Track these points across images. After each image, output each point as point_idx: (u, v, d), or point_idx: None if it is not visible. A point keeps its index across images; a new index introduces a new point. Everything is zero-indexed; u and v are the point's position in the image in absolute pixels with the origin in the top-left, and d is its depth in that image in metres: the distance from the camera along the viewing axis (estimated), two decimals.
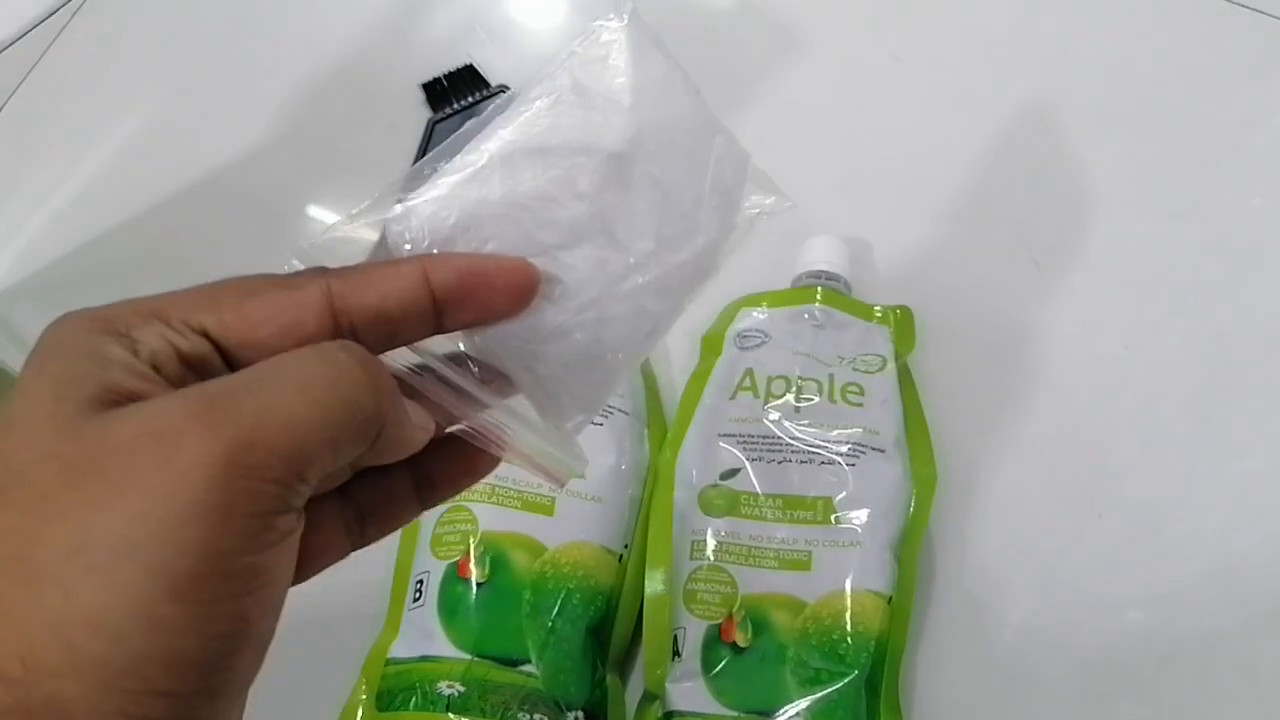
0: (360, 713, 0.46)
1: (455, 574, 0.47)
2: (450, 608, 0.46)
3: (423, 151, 0.63)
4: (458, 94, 0.63)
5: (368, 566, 0.51)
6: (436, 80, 0.64)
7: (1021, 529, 0.53)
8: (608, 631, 0.49)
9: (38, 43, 0.68)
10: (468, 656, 0.45)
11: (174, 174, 0.63)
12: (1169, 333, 0.57)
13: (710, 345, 0.56)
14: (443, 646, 0.46)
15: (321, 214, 0.63)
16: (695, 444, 0.52)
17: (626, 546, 0.50)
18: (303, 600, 0.52)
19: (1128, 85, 0.66)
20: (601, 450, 0.51)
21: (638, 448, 0.52)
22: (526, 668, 0.45)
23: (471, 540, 0.47)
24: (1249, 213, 0.61)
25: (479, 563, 0.47)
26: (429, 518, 0.49)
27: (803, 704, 0.45)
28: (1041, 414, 0.56)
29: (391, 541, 0.50)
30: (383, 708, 0.45)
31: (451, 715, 0.44)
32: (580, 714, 0.46)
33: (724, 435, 0.52)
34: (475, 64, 0.63)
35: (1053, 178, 0.63)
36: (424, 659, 0.46)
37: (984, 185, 0.63)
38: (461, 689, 0.44)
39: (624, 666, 0.51)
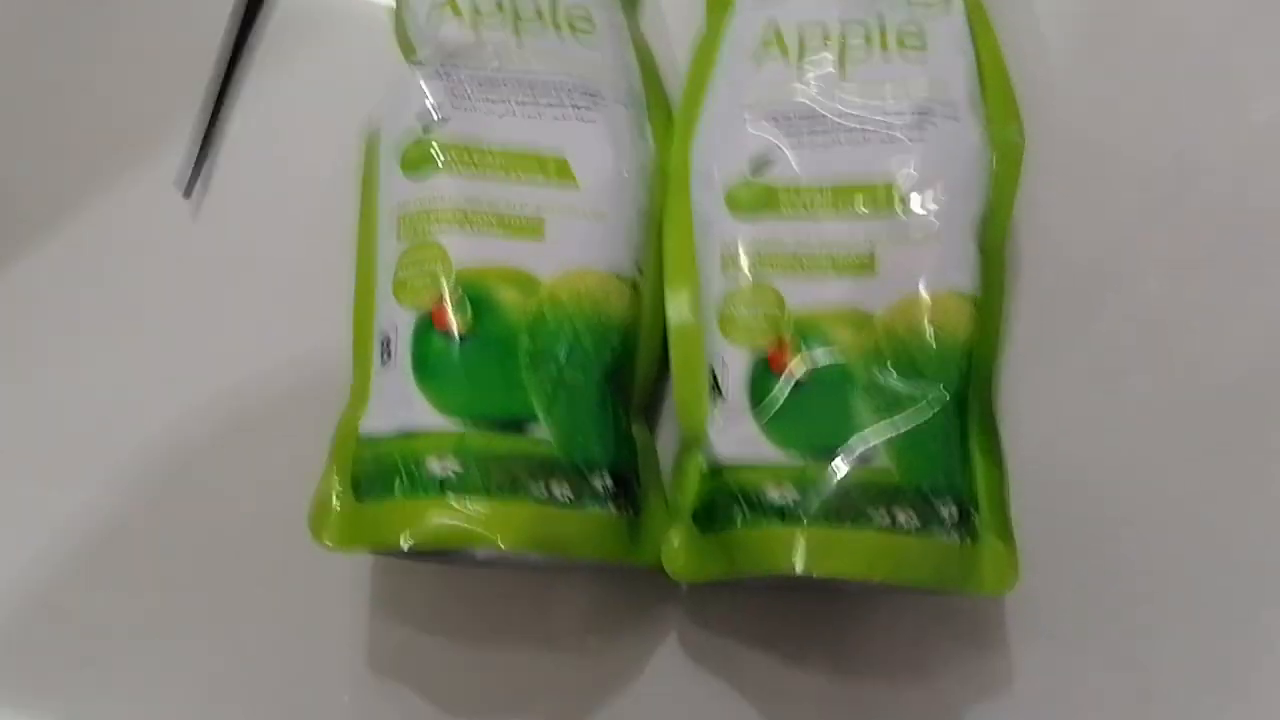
0: (336, 504, 0.37)
1: (429, 325, 0.37)
2: (429, 367, 0.36)
3: None
4: None
5: (323, 324, 0.41)
6: None
7: (1127, 198, 0.43)
8: (627, 375, 0.39)
9: None
10: (460, 425, 0.36)
11: None
12: None
13: None
14: (425, 416, 0.36)
15: None
16: (713, 131, 0.41)
17: (640, 270, 0.40)
18: (249, 379, 0.42)
19: None
20: (594, 151, 0.39)
21: (639, 142, 0.41)
22: (534, 430, 0.36)
23: (445, 281, 0.37)
24: None
25: (458, 308, 0.37)
26: (387, 256, 0.39)
27: (879, 436, 0.36)
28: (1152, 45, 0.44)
29: (344, 288, 0.40)
30: (362, 496, 0.36)
31: (451, 497, 0.35)
32: (607, 476, 0.37)
33: (749, 115, 0.40)
34: None
35: None
36: (405, 434, 0.36)
37: None
38: (457, 466, 0.35)
39: (651, 414, 0.42)
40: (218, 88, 0.45)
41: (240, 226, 0.44)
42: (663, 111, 0.43)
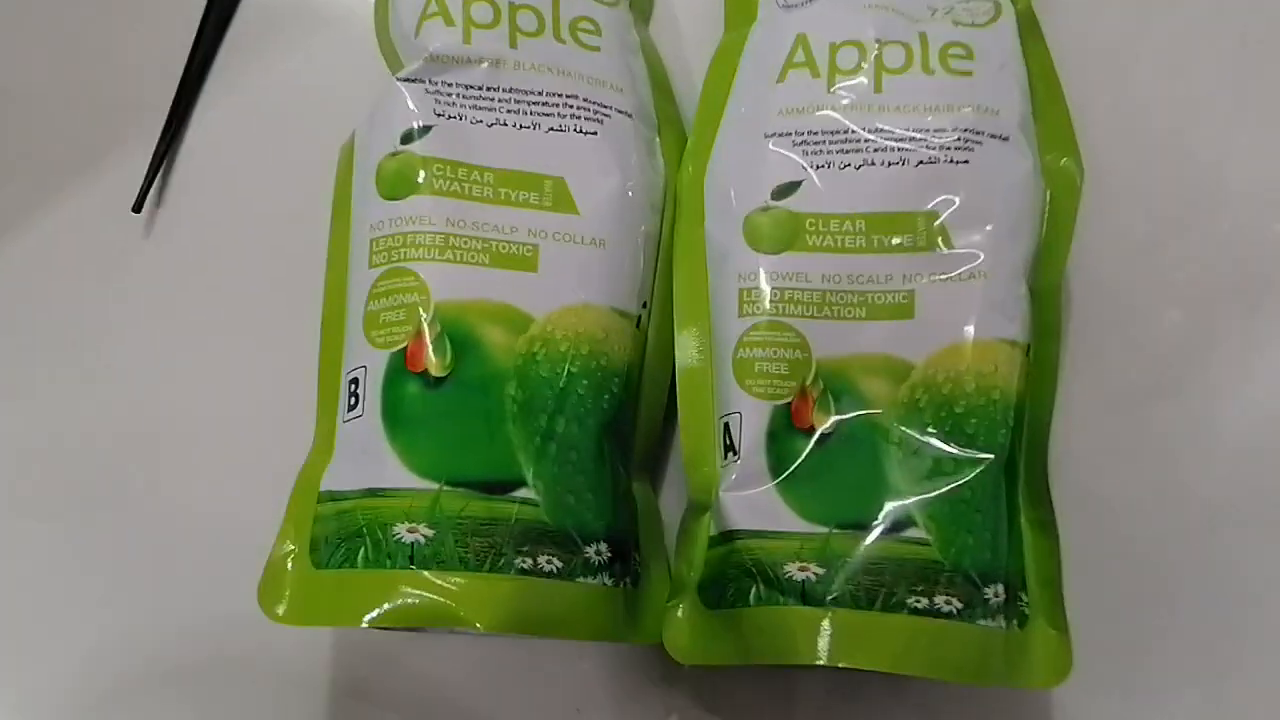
0: (291, 570, 0.32)
1: (402, 366, 0.32)
2: (401, 416, 0.32)
3: None
4: None
5: (288, 359, 0.37)
6: None
7: (1197, 234, 0.38)
8: (628, 425, 0.35)
9: None
10: (434, 485, 0.31)
11: None
12: None
13: (738, 9, 0.39)
14: (395, 473, 0.31)
15: None
16: (731, 152, 0.36)
17: (645, 305, 0.35)
18: (202, 420, 0.37)
19: None
20: (595, 171, 0.35)
21: (648, 163, 0.36)
22: (520, 493, 0.31)
23: (422, 315, 0.32)
24: None
25: (436, 348, 0.32)
26: (358, 287, 0.34)
27: (916, 505, 0.31)
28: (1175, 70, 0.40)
29: (312, 320, 0.35)
30: (321, 562, 0.32)
31: (421, 569, 0.30)
32: (602, 543, 0.32)
33: (773, 135, 0.36)
34: None
35: None
36: (371, 493, 0.31)
37: None
38: (429, 532, 0.31)
39: (655, 467, 0.37)
40: (180, 96, 0.40)
41: (198, 247, 0.39)
42: (676, 130, 0.38)
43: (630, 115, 0.36)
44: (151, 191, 0.39)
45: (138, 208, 0.39)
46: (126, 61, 0.41)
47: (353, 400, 0.33)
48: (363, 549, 0.31)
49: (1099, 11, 0.41)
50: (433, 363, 0.32)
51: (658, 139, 0.37)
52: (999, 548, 0.32)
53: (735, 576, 0.32)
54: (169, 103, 0.40)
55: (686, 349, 0.35)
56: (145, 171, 0.39)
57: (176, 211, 0.40)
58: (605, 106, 0.36)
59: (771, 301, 0.34)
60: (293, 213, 0.38)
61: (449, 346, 0.32)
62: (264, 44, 0.41)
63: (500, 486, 0.31)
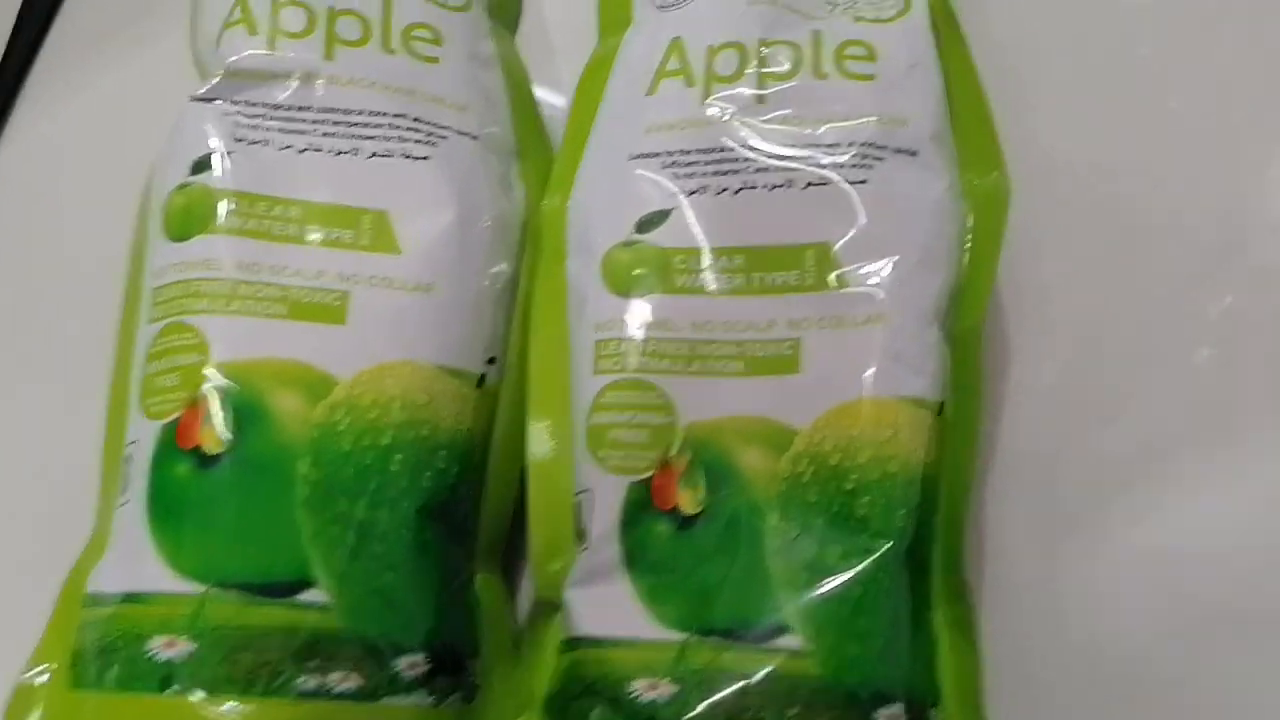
0: (42, 686, 0.27)
1: (172, 442, 0.27)
2: (165, 504, 0.26)
3: None
4: None
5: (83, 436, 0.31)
6: None
7: (1143, 281, 0.32)
8: (466, 507, 0.29)
9: None
10: (199, 588, 0.26)
11: None
12: None
13: (612, 12, 0.34)
14: (156, 574, 0.26)
15: None
16: (594, 178, 0.31)
17: (492, 361, 0.30)
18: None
19: None
20: (425, 202, 0.29)
21: (499, 194, 0.31)
22: (308, 595, 0.26)
23: (203, 379, 0.27)
24: None
25: (213, 419, 0.27)
26: (140, 346, 0.29)
27: (794, 606, 0.25)
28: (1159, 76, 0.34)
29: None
30: (79, 681, 0.26)
31: (177, 694, 0.25)
32: (419, 653, 0.26)
33: (639, 157, 0.30)
34: None
35: None
36: (130, 597, 0.26)
37: None
38: (189, 646, 0.25)
39: (510, 553, 0.31)
40: None
41: None
42: (543, 158, 0.33)
43: (474, 137, 0.31)
44: None
45: None
46: None
47: (124, 483, 0.28)
48: (114, 667, 0.25)
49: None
50: (208, 437, 0.26)
51: (516, 167, 0.32)
52: (896, 658, 0.26)
53: (577, 694, 0.26)
54: None
55: (539, 418, 0.29)
56: None
57: None
58: (441, 128, 0.30)
59: (630, 355, 0.28)
60: (102, 266, 0.33)
61: (231, 416, 0.27)
62: (78, 67, 0.37)
63: (281, 588, 0.26)
